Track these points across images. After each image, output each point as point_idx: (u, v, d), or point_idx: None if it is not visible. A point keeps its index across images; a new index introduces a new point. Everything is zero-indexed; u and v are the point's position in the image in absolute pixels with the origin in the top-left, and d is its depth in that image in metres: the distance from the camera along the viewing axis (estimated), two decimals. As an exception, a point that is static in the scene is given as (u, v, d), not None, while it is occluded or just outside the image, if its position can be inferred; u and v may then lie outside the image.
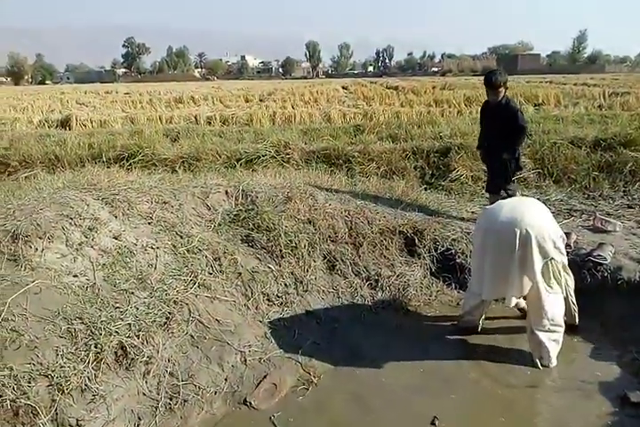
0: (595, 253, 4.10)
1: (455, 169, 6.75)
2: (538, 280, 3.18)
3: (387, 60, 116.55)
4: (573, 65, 77.86)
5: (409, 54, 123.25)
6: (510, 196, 4.72)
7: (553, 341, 3.28)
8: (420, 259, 4.43)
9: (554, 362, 3.27)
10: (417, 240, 4.51)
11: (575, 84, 23.46)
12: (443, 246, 4.47)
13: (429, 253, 4.45)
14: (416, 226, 4.62)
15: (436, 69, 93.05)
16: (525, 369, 3.25)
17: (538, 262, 3.15)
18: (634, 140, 6.87)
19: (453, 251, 4.45)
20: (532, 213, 3.26)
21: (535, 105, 14.15)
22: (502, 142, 4.60)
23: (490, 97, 4.58)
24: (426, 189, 6.29)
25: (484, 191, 5.50)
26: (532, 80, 29.01)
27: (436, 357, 3.42)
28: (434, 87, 24.02)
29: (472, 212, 5.41)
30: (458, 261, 4.40)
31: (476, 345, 3.57)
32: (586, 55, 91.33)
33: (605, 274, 4.01)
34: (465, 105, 15.05)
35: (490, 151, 4.80)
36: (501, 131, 4.55)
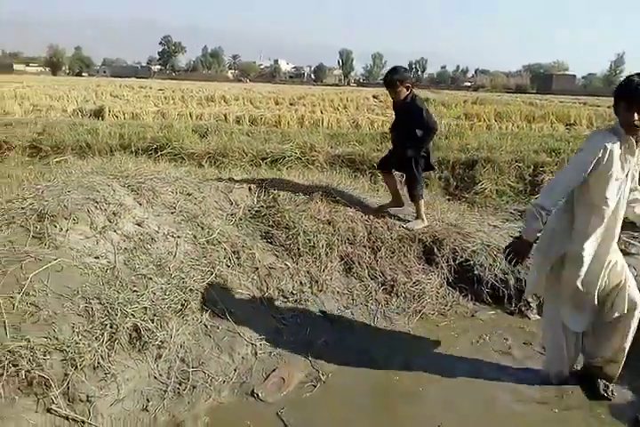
0: None
1: (480, 182, 6.73)
2: None
3: (419, 72, 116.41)
4: (609, 88, 76.71)
5: (442, 67, 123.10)
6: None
7: None
8: (437, 268, 4.40)
9: None
10: (436, 249, 4.48)
11: (609, 107, 23.00)
12: (461, 257, 4.43)
13: (447, 262, 4.42)
14: (436, 235, 4.60)
15: (468, 84, 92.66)
16: (537, 387, 3.20)
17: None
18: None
19: (472, 262, 4.42)
20: None
21: (567, 125, 14.03)
22: (407, 142, 4.46)
23: (391, 96, 4.46)
24: (449, 199, 6.27)
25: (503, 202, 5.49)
26: (566, 100, 28.75)
27: (446, 367, 3.37)
28: (465, 101, 23.96)
29: (494, 225, 5.36)
30: (476, 272, 4.37)
31: (489, 358, 3.52)
32: (622, 78, 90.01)
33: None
34: (495, 120, 14.99)
35: (396, 148, 4.70)
36: (406, 130, 4.45)
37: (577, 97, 38.17)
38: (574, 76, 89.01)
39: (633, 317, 2.99)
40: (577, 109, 18.82)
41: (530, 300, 4.17)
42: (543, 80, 78.62)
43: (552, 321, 3.14)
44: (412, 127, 4.39)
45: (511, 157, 7.34)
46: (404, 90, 4.34)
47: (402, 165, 4.64)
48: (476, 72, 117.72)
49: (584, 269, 2.88)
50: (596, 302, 2.99)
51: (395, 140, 4.75)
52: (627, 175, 2.76)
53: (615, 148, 2.68)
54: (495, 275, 4.28)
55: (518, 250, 2.95)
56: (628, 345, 3.08)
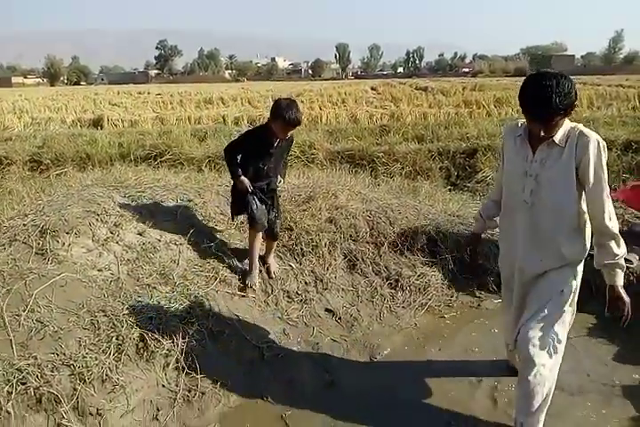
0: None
1: (481, 170, 6.72)
2: None
3: (417, 61, 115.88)
4: (609, 66, 76.13)
5: (440, 55, 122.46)
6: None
7: None
8: (441, 260, 4.40)
9: None
10: (439, 241, 4.49)
11: (609, 86, 22.96)
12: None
13: (451, 253, 4.42)
14: (439, 227, 4.60)
15: (466, 70, 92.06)
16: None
17: None
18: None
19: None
20: None
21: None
22: (279, 172, 3.84)
23: (285, 136, 3.55)
24: (450, 189, 6.27)
25: None
26: (565, 81, 28.39)
27: (455, 361, 3.38)
28: (463, 88, 23.81)
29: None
30: (480, 262, 4.36)
31: (498, 345, 3.51)
32: (622, 56, 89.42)
33: (631, 278, 3.93)
34: (495, 106, 14.89)
35: (269, 183, 3.78)
36: (280, 163, 3.80)
37: (577, 77, 37.73)
38: (573, 56, 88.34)
39: (530, 369, 2.43)
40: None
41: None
42: (542, 62, 77.86)
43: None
44: (284, 159, 3.90)
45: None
46: None
47: (273, 200, 3.87)
48: (474, 58, 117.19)
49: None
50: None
51: (265, 175, 3.72)
52: (534, 177, 2.44)
53: (511, 139, 2.56)
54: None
55: (465, 241, 3.13)
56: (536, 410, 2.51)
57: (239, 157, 3.68)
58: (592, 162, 2.29)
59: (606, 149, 2.35)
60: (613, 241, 2.36)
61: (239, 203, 3.76)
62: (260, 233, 3.76)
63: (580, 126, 2.37)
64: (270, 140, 3.59)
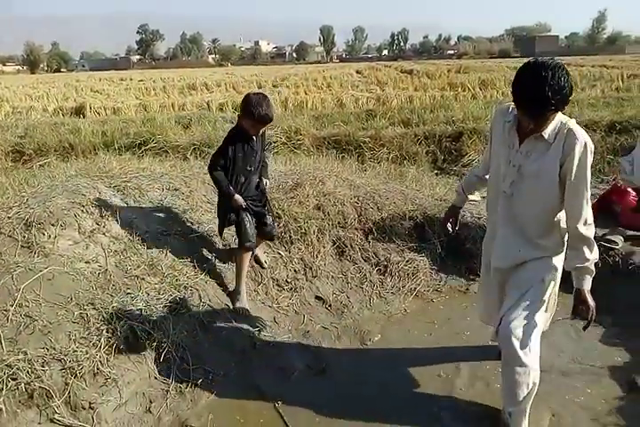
0: (606, 237, 4.08)
1: (467, 154, 6.73)
2: None
3: (402, 44, 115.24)
4: (592, 46, 76.19)
5: (424, 37, 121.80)
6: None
7: None
8: (429, 244, 4.43)
9: None
10: (427, 226, 4.51)
11: (593, 66, 23.04)
12: (453, 232, 4.45)
13: (439, 238, 4.44)
14: (426, 211, 4.61)
15: (451, 52, 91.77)
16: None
17: None
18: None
19: (463, 236, 4.44)
20: None
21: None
22: (261, 172, 3.65)
23: (256, 132, 3.40)
24: (437, 174, 6.27)
25: None
26: (550, 62, 28.43)
27: (445, 345, 3.41)
28: (449, 70, 23.76)
29: (483, 197, 5.37)
30: (467, 246, 4.40)
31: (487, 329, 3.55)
32: (605, 36, 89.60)
33: (617, 259, 3.99)
34: (480, 89, 14.89)
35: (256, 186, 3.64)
36: (260, 163, 3.59)
37: (561, 58, 37.71)
38: (557, 36, 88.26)
39: (511, 361, 2.46)
40: (561, 71, 18.64)
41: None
42: (526, 43, 77.87)
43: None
44: (263, 158, 3.66)
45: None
46: None
47: (262, 205, 3.70)
48: (458, 39, 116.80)
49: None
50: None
51: (254, 179, 3.57)
52: (517, 168, 2.38)
53: (500, 123, 2.49)
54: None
55: (444, 214, 3.14)
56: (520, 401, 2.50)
57: (224, 167, 3.44)
58: (576, 164, 2.24)
59: (593, 152, 2.29)
60: (586, 246, 2.34)
61: (228, 216, 3.56)
62: (250, 252, 3.59)
63: (572, 123, 2.29)
64: (249, 136, 3.41)
